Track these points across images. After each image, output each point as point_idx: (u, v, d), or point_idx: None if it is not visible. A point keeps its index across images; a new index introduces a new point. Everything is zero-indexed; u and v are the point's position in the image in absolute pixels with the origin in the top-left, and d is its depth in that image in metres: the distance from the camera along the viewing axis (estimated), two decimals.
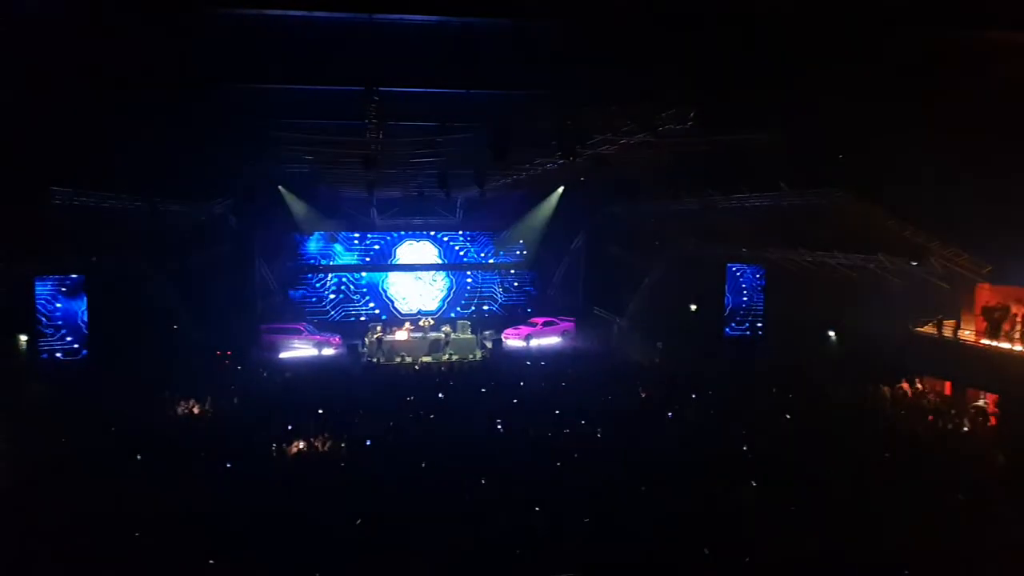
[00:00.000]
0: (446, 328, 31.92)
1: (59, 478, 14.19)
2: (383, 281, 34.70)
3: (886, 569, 10.27)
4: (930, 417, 19.06)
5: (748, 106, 14.51)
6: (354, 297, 34.28)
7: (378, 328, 31.05)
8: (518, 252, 35.77)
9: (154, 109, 14.46)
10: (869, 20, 10.58)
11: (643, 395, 21.58)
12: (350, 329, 32.51)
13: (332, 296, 33.98)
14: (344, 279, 34.17)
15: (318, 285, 33.85)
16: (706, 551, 10.89)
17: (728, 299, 28.92)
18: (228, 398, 21.33)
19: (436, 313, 34.59)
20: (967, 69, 12.09)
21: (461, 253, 35.54)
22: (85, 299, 24.51)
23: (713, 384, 22.00)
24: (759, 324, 28.78)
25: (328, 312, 33.90)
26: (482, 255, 35.80)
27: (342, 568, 10.80)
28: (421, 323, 32.25)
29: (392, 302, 34.75)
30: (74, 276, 24.38)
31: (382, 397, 20.87)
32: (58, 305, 24.20)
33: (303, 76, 12.92)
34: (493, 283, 35.92)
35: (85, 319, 24.59)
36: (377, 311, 34.24)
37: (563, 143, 15.28)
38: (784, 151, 17.70)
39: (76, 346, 24.42)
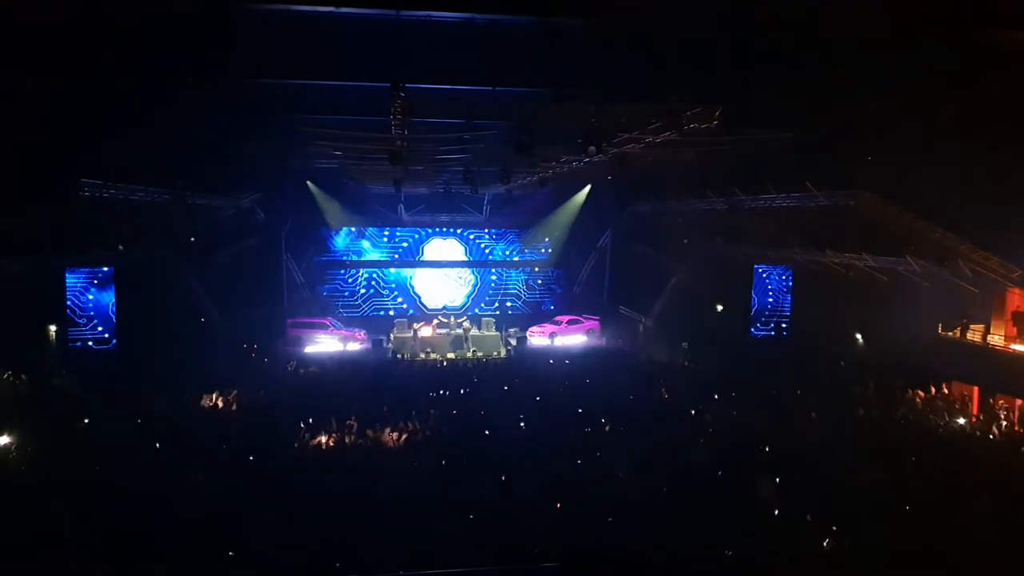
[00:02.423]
0: (465, 323, 32.04)
1: (82, 465, 14.40)
2: (411, 277, 34.93)
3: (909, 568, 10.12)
4: (958, 421, 18.77)
5: (775, 105, 14.37)
6: (383, 292, 34.59)
7: (415, 324, 31.33)
8: (543, 250, 35.83)
9: (183, 104, 14.59)
10: (902, 19, 10.40)
11: (665, 395, 21.45)
12: (378, 324, 32.80)
13: (363, 291, 34.34)
14: (374, 275, 34.51)
15: (349, 280, 34.20)
16: (728, 552, 10.77)
17: (754, 300, 28.68)
18: (254, 391, 21.52)
19: (461, 309, 34.67)
20: (1002, 71, 11.83)
21: (487, 251, 35.67)
22: (113, 290, 24.90)
23: (737, 385, 21.82)
24: (784, 325, 28.50)
25: (360, 306, 34.23)
26: (508, 253, 35.90)
27: (361, 557, 10.82)
28: (445, 320, 32.38)
29: (419, 298, 34.93)
30: (105, 268, 24.77)
31: (410, 391, 21.00)
32: (90, 296, 24.60)
33: (330, 72, 12.95)
34: (518, 281, 35.99)
35: (115, 310, 24.98)
36: (405, 306, 34.55)
37: (589, 141, 15.21)
38: (812, 151, 17.47)
39: (107, 335, 24.82)
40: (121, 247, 23.96)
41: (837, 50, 11.48)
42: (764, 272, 28.68)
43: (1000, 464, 15.17)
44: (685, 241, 30.11)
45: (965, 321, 20.63)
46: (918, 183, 18.09)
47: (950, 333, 21.13)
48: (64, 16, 10.72)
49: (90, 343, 24.54)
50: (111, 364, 23.78)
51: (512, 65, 11.90)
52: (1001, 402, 19.76)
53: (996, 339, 19.98)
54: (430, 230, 34.96)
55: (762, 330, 28.69)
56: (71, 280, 24.30)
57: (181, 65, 12.17)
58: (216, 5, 10.73)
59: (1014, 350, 19.26)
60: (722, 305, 29.50)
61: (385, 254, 34.80)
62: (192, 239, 26.43)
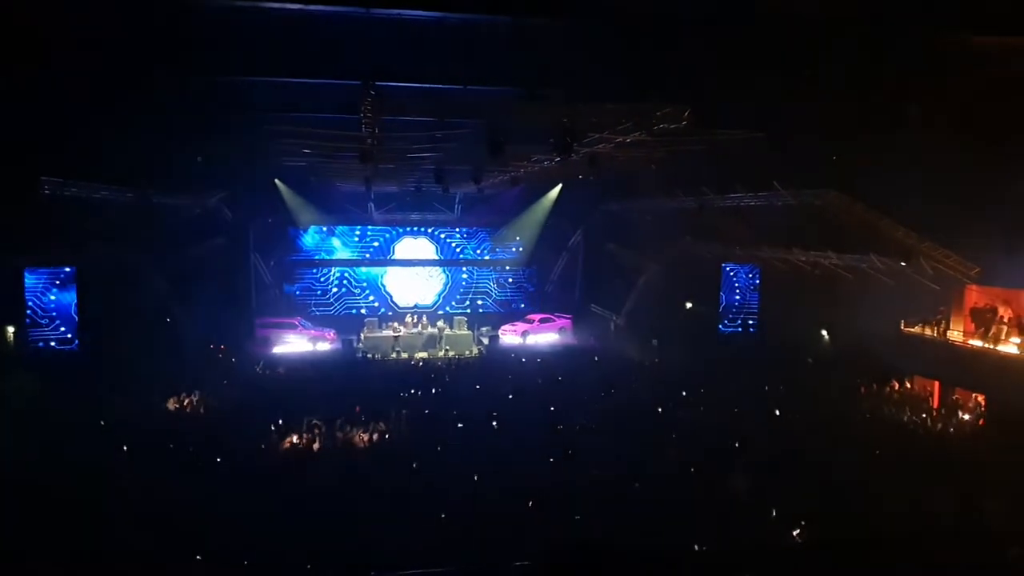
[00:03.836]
0: (440, 324, 31.96)
1: (45, 469, 14.06)
2: (381, 276, 34.83)
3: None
4: (920, 415, 19.16)
5: (742, 105, 14.47)
6: (354, 291, 34.37)
7: (387, 324, 31.21)
8: (515, 249, 35.77)
9: (148, 101, 14.20)
10: (865, 20, 10.56)
11: (635, 387, 21.88)
12: (350, 323, 32.64)
13: (334, 290, 34.09)
14: (345, 273, 34.33)
15: (321, 279, 33.97)
16: (696, 547, 10.87)
17: (722, 297, 29.03)
18: (220, 393, 21.21)
19: (432, 308, 34.61)
20: (958, 70, 12.05)
21: (458, 249, 35.60)
22: (75, 290, 24.39)
23: (705, 382, 22.08)
24: (751, 322, 28.91)
25: (331, 305, 33.99)
26: (479, 251, 35.86)
27: (332, 558, 10.79)
28: (417, 319, 32.18)
29: (390, 296, 34.76)
30: (67, 268, 24.23)
31: (381, 391, 20.93)
32: (51, 297, 24.07)
33: (299, 69, 12.72)
34: (489, 279, 36.00)
35: (77, 310, 24.45)
36: (376, 304, 34.37)
37: (560, 141, 15.22)
38: (778, 151, 17.65)
39: (69, 336, 24.30)
40: (83, 247, 23.42)
41: (801, 50, 11.60)
42: (732, 270, 29.12)
43: (958, 455, 15.52)
44: (655, 240, 30.35)
45: (940, 315, 20.99)
46: (881, 182, 18.49)
47: (912, 329, 21.58)
48: (19, 8, 10.38)
49: (52, 343, 24.01)
50: (74, 364, 23.29)
51: (485, 64, 11.82)
52: (957, 396, 20.23)
53: (955, 335, 20.47)
54: (401, 229, 34.83)
55: (730, 327, 29.14)
56: (31, 280, 23.75)
57: (146, 61, 11.88)
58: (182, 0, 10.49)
59: (972, 345, 19.72)
60: (691, 303, 29.78)
61: (356, 253, 34.56)
62: (157, 239, 25.91)
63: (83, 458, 14.69)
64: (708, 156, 19.35)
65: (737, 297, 29.22)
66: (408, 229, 34.91)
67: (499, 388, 21.70)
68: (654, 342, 28.73)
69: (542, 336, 31.86)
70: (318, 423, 17.79)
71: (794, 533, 11.44)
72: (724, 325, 29.09)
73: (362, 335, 31.15)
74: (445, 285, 35.46)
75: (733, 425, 17.63)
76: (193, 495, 12.86)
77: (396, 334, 30.64)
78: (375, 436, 17.26)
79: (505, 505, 12.63)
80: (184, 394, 20.69)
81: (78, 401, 18.89)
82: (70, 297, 24.34)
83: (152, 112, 15.04)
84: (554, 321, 32.84)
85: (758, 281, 28.81)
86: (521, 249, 35.71)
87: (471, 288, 35.81)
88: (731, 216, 24.00)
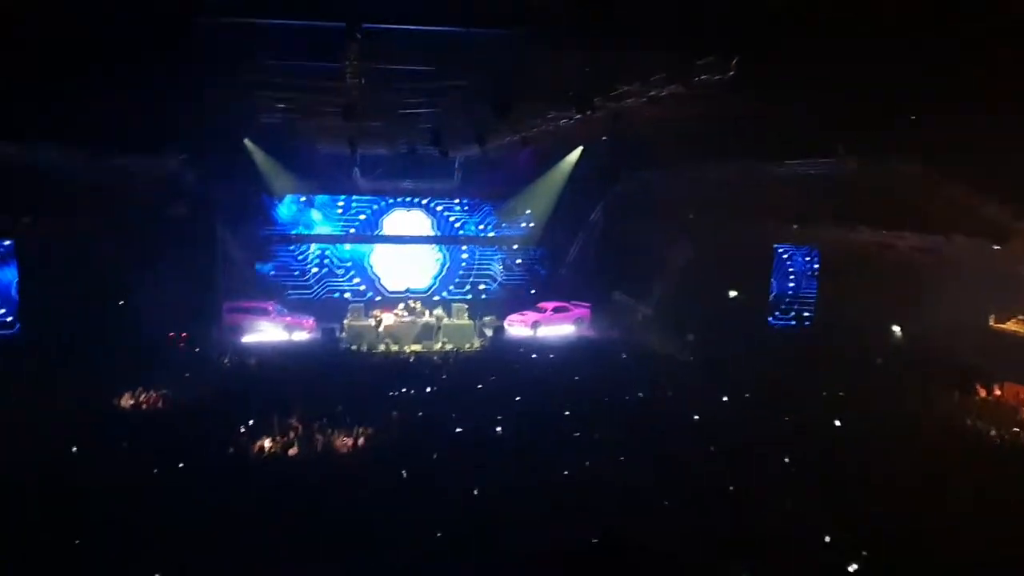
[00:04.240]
0: (437, 312, 31.97)
1: None
2: (368, 255, 34.75)
3: None
4: (1011, 429, 18.85)
5: (803, 58, 14.12)
6: (337, 272, 34.32)
7: (374, 311, 31.31)
8: (525, 224, 35.43)
9: (98, 45, 14.20)
10: None
11: (669, 394, 21.60)
12: (332, 309, 32.77)
13: (314, 270, 34.01)
14: (326, 251, 34.26)
15: (299, 257, 33.94)
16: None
17: (773, 285, 28.76)
18: (182, 387, 21.29)
19: (427, 292, 34.53)
20: None
21: (458, 224, 35.42)
22: (16, 267, 24.55)
23: (751, 385, 21.87)
24: (807, 314, 28.61)
25: (311, 288, 34.02)
26: (483, 227, 35.59)
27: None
28: (412, 305, 32.22)
29: (378, 279, 34.76)
30: (5, 242, 24.36)
31: (367, 389, 20.96)
32: None
33: (276, 9, 12.74)
34: (493, 260, 35.86)
35: (18, 290, 24.63)
36: (363, 288, 34.39)
37: (579, 95, 15.09)
38: (846, 111, 17.30)
39: (10, 319, 24.55)
40: (22, 216, 23.55)
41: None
42: (785, 253, 28.92)
43: None
44: (692, 216, 30.03)
45: None
46: (969, 149, 17.97)
47: (1006, 326, 21.18)
48: None
49: None
50: (15, 351, 23.48)
51: (488, 2, 11.72)
52: None
53: None
54: (391, 199, 34.49)
55: (782, 319, 28.98)
56: None
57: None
58: None
59: None
60: (735, 290, 29.56)
61: (338, 227, 34.42)
62: (108, 207, 25.78)
63: (23, 460, 14.76)
64: (758, 116, 18.92)
65: (791, 284, 29.04)
66: (399, 200, 34.59)
67: (505, 388, 21.63)
68: (690, 337, 28.55)
69: (556, 328, 31.70)
70: (295, 424, 17.82)
71: (850, 569, 11.42)
72: (775, 317, 29.00)
73: (345, 323, 31.18)
74: (442, 266, 35.29)
75: (784, 438, 17.41)
76: (149, 503, 12.96)
77: (385, 323, 30.55)
78: (360, 441, 17.31)
79: (508, 521, 12.57)
80: (140, 388, 20.74)
81: (20, 393, 19.00)
82: (9, 274, 24.55)
83: (103, 59, 14.99)
84: (570, 310, 32.61)
85: (817, 265, 28.43)
86: (532, 225, 35.25)
87: (473, 270, 35.61)
88: (785, 187, 23.58)
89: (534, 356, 26.75)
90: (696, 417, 19.37)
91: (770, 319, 28.87)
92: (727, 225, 28.03)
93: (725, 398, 21.03)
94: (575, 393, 21.43)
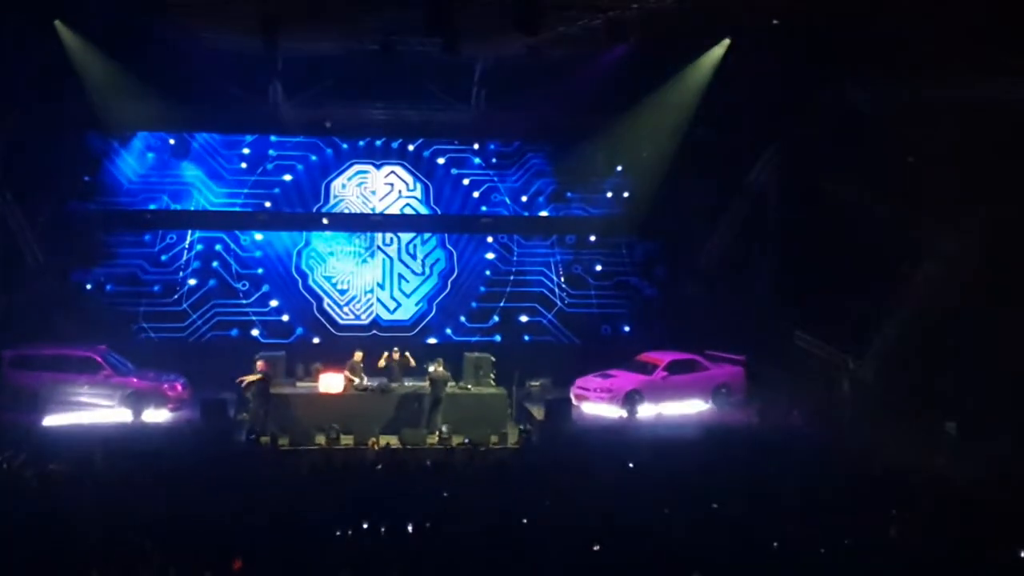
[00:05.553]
0: (436, 368, 21.93)
1: None
2: (298, 250, 25.13)
3: None
4: None
5: None
6: (237, 286, 24.71)
7: (313, 365, 23.17)
8: (610, 194, 25.88)
9: None
10: None
11: (892, 534, 14.56)
12: (223, 360, 23.02)
13: (192, 281, 24.48)
14: (219, 245, 25.03)
15: (162, 257, 24.55)
16: None
17: None
18: None
19: (412, 328, 25.29)
20: None
21: (476, 196, 25.50)
22: None
23: None
24: None
25: (185, 317, 24.64)
26: (524, 200, 25.64)
27: None
28: (390, 356, 22.58)
29: (318, 301, 24.98)
30: None
31: (290, 526, 13.44)
32: None
33: None
34: (545, 263, 25.93)
35: None
36: (285, 317, 24.70)
37: None
38: None
39: None
40: None
41: None
42: None
43: None
44: (958, 183, 21.15)
45: None
46: None
47: None
48: None
49: None
50: None
51: None
52: None
53: None
54: (345, 144, 24.94)
55: None
56: None
57: None
58: None
59: None
60: None
61: (240, 198, 24.99)
62: None
63: None
64: None
65: None
66: (362, 145, 25.17)
67: (569, 533, 14.13)
68: (951, 426, 21.61)
69: (676, 404, 22.96)
70: None
71: None
72: None
73: (248, 390, 21.63)
74: (442, 276, 25.64)
75: None
76: None
77: (331, 389, 21.92)
78: None
79: None
80: None
81: None
82: None
83: None
84: (706, 369, 23.61)
85: None
86: (627, 196, 25.64)
87: (505, 283, 25.77)
88: None
89: (631, 466, 19.03)
90: None
91: None
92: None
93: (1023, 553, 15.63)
94: (715, 537, 13.45)
